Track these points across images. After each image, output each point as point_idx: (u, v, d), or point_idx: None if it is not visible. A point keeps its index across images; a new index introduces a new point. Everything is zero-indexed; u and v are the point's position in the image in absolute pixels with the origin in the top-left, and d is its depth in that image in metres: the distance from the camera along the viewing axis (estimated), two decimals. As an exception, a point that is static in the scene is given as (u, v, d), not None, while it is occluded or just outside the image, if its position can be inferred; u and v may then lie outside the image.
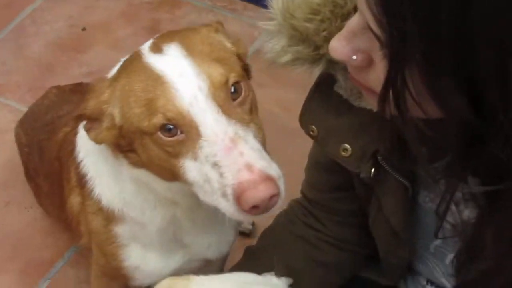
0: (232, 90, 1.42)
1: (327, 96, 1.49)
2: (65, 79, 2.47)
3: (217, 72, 1.43)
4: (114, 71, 1.56)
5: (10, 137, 2.36)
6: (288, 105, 2.33)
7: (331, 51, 1.25)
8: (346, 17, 1.32)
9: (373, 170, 1.46)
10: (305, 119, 1.54)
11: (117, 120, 1.49)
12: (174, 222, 1.70)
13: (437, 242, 1.58)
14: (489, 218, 1.34)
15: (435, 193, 1.49)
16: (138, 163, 1.53)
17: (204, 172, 1.43)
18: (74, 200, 1.85)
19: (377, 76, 1.22)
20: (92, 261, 1.93)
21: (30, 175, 2.21)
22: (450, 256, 1.56)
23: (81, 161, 1.73)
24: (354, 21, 1.21)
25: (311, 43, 1.39)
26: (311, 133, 1.53)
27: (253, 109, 1.46)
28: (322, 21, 1.37)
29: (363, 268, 1.80)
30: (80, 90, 2.23)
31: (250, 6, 2.76)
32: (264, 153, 1.41)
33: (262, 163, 1.37)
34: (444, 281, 1.62)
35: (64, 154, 1.85)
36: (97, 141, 1.55)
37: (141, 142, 1.47)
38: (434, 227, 1.50)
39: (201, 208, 1.61)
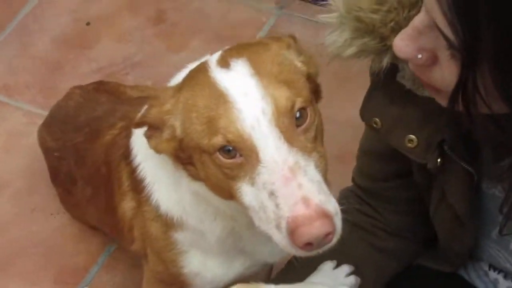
0: (297, 115, 1.40)
1: (389, 87, 1.50)
2: (76, 77, 2.43)
3: (284, 96, 1.40)
4: (178, 78, 1.56)
5: (27, 141, 2.33)
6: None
7: (395, 49, 1.26)
8: (414, 5, 1.33)
9: (439, 160, 1.48)
10: (367, 112, 1.56)
11: (178, 132, 1.49)
12: (233, 233, 1.70)
13: (495, 232, 1.62)
14: None
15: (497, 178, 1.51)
16: (196, 177, 1.53)
17: (260, 199, 1.43)
18: (127, 205, 1.83)
19: (442, 74, 1.24)
20: (146, 268, 1.91)
21: (60, 180, 2.16)
22: None
23: (138, 165, 1.72)
24: (419, 19, 1.22)
25: (376, 35, 1.39)
26: (375, 125, 1.55)
27: (317, 136, 1.44)
28: (389, 11, 1.37)
29: (421, 255, 1.81)
30: (104, 89, 2.22)
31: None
32: (323, 185, 1.39)
33: (320, 197, 1.35)
34: (508, 266, 1.64)
35: (114, 158, 1.83)
36: (157, 150, 1.54)
37: (200, 159, 1.47)
38: (496, 213, 1.53)
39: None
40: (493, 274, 1.73)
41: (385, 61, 1.44)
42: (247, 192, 1.44)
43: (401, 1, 1.38)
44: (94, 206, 2.04)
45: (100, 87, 2.21)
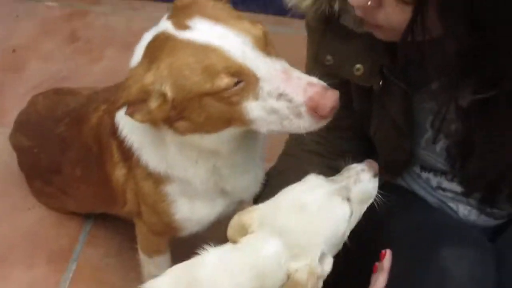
0: None
1: (335, 30, 1.75)
2: (16, 97, 2.75)
3: (251, 27, 1.68)
4: (136, 58, 1.75)
5: None
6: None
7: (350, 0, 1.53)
8: None
9: (381, 82, 1.73)
10: (321, 52, 1.80)
11: (169, 94, 1.67)
12: (215, 172, 1.89)
13: (427, 135, 1.87)
14: (479, 123, 1.63)
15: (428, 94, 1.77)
16: (187, 129, 1.73)
17: (268, 107, 1.66)
18: (119, 172, 2.05)
19: (385, 15, 1.50)
20: (139, 224, 2.15)
21: (39, 173, 2.44)
22: (440, 145, 1.87)
23: (125, 137, 1.92)
24: None
25: None
26: (327, 62, 1.80)
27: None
28: None
29: None
30: (63, 92, 2.51)
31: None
32: None
33: (317, 79, 1.63)
34: (438, 165, 1.91)
35: (104, 136, 2.05)
36: (144, 120, 1.72)
37: (199, 104, 1.68)
38: (424, 123, 1.82)
39: (239, 151, 1.86)
40: (424, 174, 1.98)
41: (336, 6, 1.67)
42: (252, 107, 1.67)
43: None
44: (85, 183, 2.26)
45: (58, 91, 2.51)
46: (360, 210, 1.67)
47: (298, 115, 1.66)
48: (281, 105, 1.66)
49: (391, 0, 1.46)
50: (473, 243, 1.82)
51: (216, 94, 1.66)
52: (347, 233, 1.65)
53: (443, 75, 1.56)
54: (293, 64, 1.67)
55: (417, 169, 1.99)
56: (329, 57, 1.80)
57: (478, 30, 1.41)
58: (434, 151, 1.89)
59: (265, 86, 1.67)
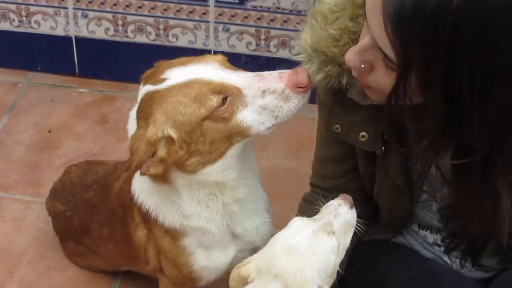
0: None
1: (343, 102, 1.91)
2: (52, 171, 3.02)
3: (214, 56, 1.94)
4: (131, 124, 1.98)
5: (30, 221, 2.92)
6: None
7: (346, 61, 1.69)
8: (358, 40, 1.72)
9: (383, 147, 1.89)
10: (330, 122, 1.97)
11: (174, 134, 1.87)
12: (225, 212, 2.07)
13: (424, 196, 2.01)
14: (457, 189, 1.76)
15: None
16: (198, 164, 1.92)
17: (257, 107, 1.88)
18: (140, 233, 2.26)
19: (375, 78, 1.67)
20: (162, 278, 2.34)
21: (71, 234, 2.67)
22: (435, 205, 2.00)
23: (142, 202, 2.15)
24: (365, 41, 1.63)
25: (336, 63, 1.81)
26: (336, 130, 1.96)
27: None
28: (343, 45, 1.79)
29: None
30: (94, 162, 2.77)
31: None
32: None
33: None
34: (434, 223, 2.04)
35: (126, 201, 2.26)
36: (158, 170, 1.90)
37: (201, 132, 1.87)
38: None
39: (242, 180, 2.04)
40: (422, 232, 2.11)
41: (344, 80, 1.83)
42: (245, 114, 1.88)
43: (350, 37, 1.78)
44: (112, 242, 2.47)
45: (89, 162, 2.79)
46: (345, 240, 1.79)
47: (287, 98, 1.88)
48: (268, 99, 1.89)
49: (381, 65, 1.62)
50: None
51: (212, 115, 1.86)
52: (338, 263, 1.77)
53: (422, 140, 1.66)
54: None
55: (415, 227, 2.13)
56: (337, 126, 1.97)
57: (454, 105, 1.55)
58: (431, 210, 2.03)
59: (248, 92, 1.89)
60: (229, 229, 2.14)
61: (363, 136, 1.92)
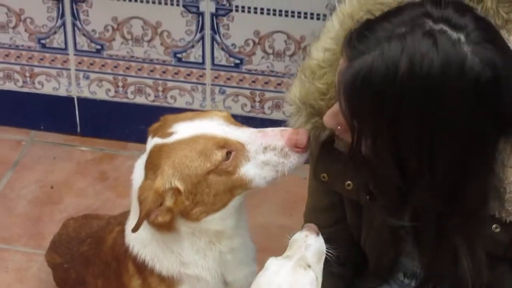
0: None
1: (330, 151, 2.01)
2: (53, 224, 3.08)
3: (219, 112, 2.07)
4: (136, 174, 2.10)
5: (32, 272, 3.03)
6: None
7: (324, 123, 1.84)
8: None
9: (368, 196, 1.96)
10: (318, 171, 2.06)
11: (181, 185, 1.97)
12: (220, 259, 2.14)
13: (408, 248, 2.06)
14: (418, 247, 1.91)
15: None
16: (202, 213, 2.01)
17: (259, 162, 1.98)
18: (135, 284, 2.26)
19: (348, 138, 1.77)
20: None
21: (70, 284, 2.73)
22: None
23: (137, 252, 2.19)
24: (336, 107, 1.77)
25: (322, 115, 1.88)
26: (323, 178, 2.04)
27: None
28: (330, 99, 1.90)
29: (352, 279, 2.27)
30: (91, 216, 2.87)
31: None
32: None
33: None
34: (419, 271, 2.06)
35: (120, 254, 2.29)
36: (166, 219, 2.00)
37: (206, 184, 1.98)
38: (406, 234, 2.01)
39: (237, 234, 2.13)
40: (406, 281, 2.18)
41: (326, 132, 1.95)
42: (248, 168, 1.99)
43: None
44: None
45: (87, 216, 2.88)
46: (319, 268, 1.87)
47: (286, 155, 1.99)
48: (269, 155, 2.00)
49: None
50: None
51: (216, 169, 1.97)
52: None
53: (381, 197, 1.85)
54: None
55: (400, 276, 2.20)
56: (324, 175, 2.05)
57: (403, 169, 1.69)
58: (415, 259, 2.08)
59: (251, 147, 2.00)
60: (222, 278, 2.21)
61: (348, 184, 2.00)
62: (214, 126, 2.03)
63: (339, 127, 1.80)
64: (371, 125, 1.67)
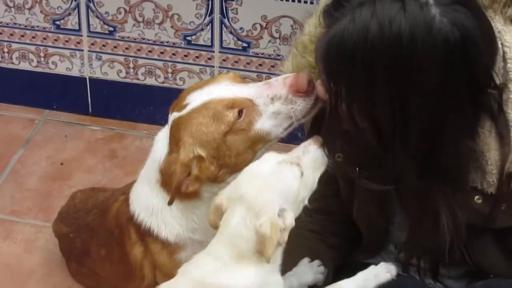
0: None
1: (321, 126, 2.07)
2: (62, 199, 3.11)
3: (225, 74, 2.17)
4: (158, 148, 2.20)
5: (40, 243, 3.12)
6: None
7: (317, 91, 1.97)
8: None
9: (357, 169, 2.01)
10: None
11: (203, 152, 2.06)
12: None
13: (397, 219, 2.15)
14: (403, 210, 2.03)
15: None
16: (228, 174, 2.10)
17: (270, 113, 2.06)
18: (137, 251, 2.38)
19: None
20: None
21: (75, 255, 2.83)
22: None
23: (142, 220, 2.30)
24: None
25: None
26: (338, 159, 2.04)
27: None
28: None
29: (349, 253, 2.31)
30: (97, 189, 2.96)
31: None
32: None
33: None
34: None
35: (123, 222, 2.41)
36: (196, 187, 2.09)
37: (226, 147, 2.07)
38: (397, 207, 2.11)
39: None
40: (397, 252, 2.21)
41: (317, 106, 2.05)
42: (263, 122, 2.07)
43: None
44: (109, 262, 2.60)
45: (94, 189, 2.98)
46: (313, 176, 1.91)
47: (292, 102, 2.06)
48: (277, 105, 2.08)
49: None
50: None
51: (232, 129, 2.06)
52: (304, 194, 1.89)
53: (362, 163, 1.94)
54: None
55: (392, 248, 2.26)
56: (339, 155, 2.06)
57: (379, 133, 1.77)
58: (405, 230, 2.12)
59: (260, 101, 2.09)
60: None
61: (338, 156, 2.05)
62: (221, 89, 2.11)
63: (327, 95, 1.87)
64: (346, 88, 1.75)
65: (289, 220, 1.83)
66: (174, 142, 2.12)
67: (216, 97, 2.09)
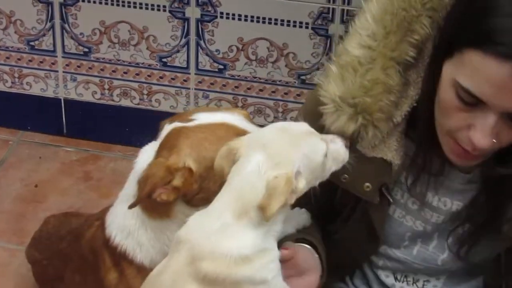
0: None
1: (352, 152, 1.88)
2: (37, 222, 3.08)
3: (239, 109, 2.14)
4: (141, 160, 2.08)
5: (13, 268, 3.07)
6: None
7: (478, 144, 1.69)
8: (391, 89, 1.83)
9: (378, 198, 1.93)
10: (339, 172, 1.88)
11: (195, 167, 1.98)
12: None
13: (405, 243, 2.05)
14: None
15: (406, 211, 2.00)
16: (202, 201, 2.00)
17: None
18: (111, 276, 2.30)
19: (500, 140, 1.70)
20: None
21: (48, 281, 2.79)
22: (417, 248, 2.04)
23: (119, 242, 2.21)
24: (491, 120, 1.65)
25: (365, 113, 1.83)
26: (343, 180, 1.92)
27: None
28: (376, 95, 1.83)
29: None
30: (70, 214, 2.91)
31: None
32: None
33: None
34: (415, 266, 2.06)
35: (97, 246, 2.33)
36: (170, 198, 1.99)
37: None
38: (402, 236, 2.03)
39: None
40: (395, 283, 2.13)
41: (371, 132, 1.87)
42: None
43: (383, 87, 1.83)
44: (84, 285, 2.52)
45: (67, 214, 2.92)
46: (331, 165, 1.82)
47: None
48: None
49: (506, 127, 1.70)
50: None
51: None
52: (317, 174, 1.79)
53: None
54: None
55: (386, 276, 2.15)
56: (345, 176, 1.93)
57: None
58: (411, 255, 2.07)
59: None
60: None
61: (367, 186, 1.95)
62: (235, 119, 2.07)
63: (494, 140, 1.71)
64: None
65: (301, 185, 1.74)
66: (167, 148, 2.04)
67: (229, 122, 2.06)
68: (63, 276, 2.66)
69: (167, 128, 2.12)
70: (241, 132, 1.99)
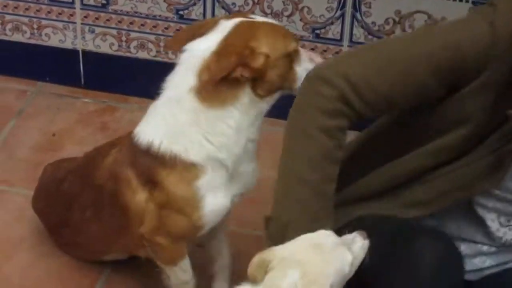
0: None
1: None
2: None
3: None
4: (201, 49, 2.25)
5: (29, 213, 3.08)
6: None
7: None
8: None
9: None
10: (502, 103, 1.95)
11: (271, 53, 2.22)
12: (244, 147, 2.31)
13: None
14: None
15: None
16: (266, 91, 2.25)
17: (303, 69, 2.28)
18: (139, 197, 2.35)
19: None
20: (157, 241, 2.40)
21: (52, 228, 2.90)
22: None
23: (166, 148, 2.28)
24: None
25: None
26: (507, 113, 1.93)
27: None
28: None
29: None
30: (67, 160, 3.00)
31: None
32: None
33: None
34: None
35: (120, 170, 2.40)
36: (248, 75, 2.19)
37: (281, 63, 2.26)
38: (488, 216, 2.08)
39: (259, 128, 2.34)
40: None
41: None
42: (300, 69, 2.29)
43: None
44: (97, 221, 2.58)
45: (63, 160, 3.03)
46: (356, 265, 1.93)
47: (311, 60, 2.33)
48: (310, 65, 2.28)
49: None
50: (447, 241, 2.06)
51: (290, 55, 2.28)
52: (347, 278, 1.92)
53: None
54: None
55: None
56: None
57: None
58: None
59: (303, 55, 2.33)
60: (236, 167, 2.35)
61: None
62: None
63: None
64: None
65: None
66: (240, 36, 2.24)
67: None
68: (66, 222, 2.76)
69: (226, 23, 2.28)
70: (295, 36, 2.37)
